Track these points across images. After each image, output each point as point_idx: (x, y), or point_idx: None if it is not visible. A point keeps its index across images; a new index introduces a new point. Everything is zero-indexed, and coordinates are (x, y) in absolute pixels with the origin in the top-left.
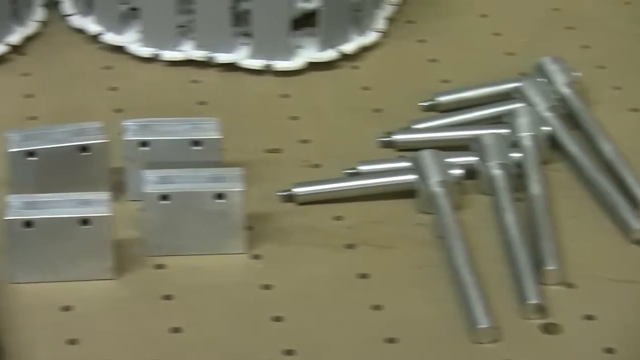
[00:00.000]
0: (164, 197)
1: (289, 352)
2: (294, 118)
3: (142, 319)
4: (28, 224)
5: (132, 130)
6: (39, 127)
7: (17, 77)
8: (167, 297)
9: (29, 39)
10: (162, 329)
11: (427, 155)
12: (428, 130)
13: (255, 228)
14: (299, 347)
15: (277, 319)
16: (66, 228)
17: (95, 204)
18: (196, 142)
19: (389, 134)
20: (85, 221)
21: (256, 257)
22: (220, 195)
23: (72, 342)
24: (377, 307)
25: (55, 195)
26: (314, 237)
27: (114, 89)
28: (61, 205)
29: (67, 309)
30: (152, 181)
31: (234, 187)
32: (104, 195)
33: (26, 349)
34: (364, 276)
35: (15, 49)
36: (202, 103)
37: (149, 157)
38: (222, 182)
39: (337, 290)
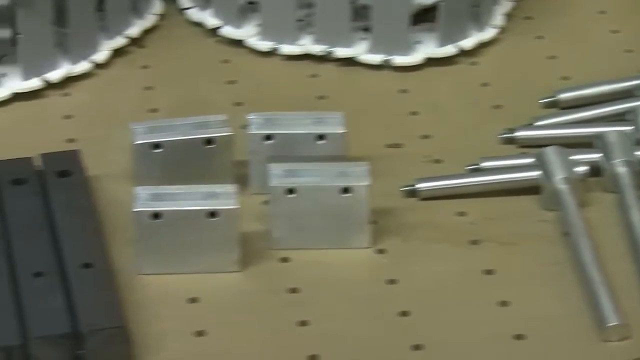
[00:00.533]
0: (290, 190)
1: (417, 347)
2: (414, 113)
3: (269, 311)
4: (156, 215)
5: (257, 123)
6: (163, 119)
7: (136, 69)
8: (293, 290)
9: (147, 32)
10: (288, 322)
11: (551, 152)
12: (550, 127)
13: (379, 223)
14: (426, 342)
15: (404, 313)
16: (194, 220)
17: (222, 196)
18: (321, 137)
19: (511, 130)
20: (213, 214)
21: (380, 251)
22: (346, 190)
23: (200, 333)
24: (503, 304)
25: (181, 187)
26: (438, 233)
27: (232, 82)
28: (188, 198)
29: (194, 300)
30: (278, 175)
31: (361, 181)
32: (231, 188)
33: (155, 341)
34: (489, 272)
35: (134, 42)
36: (321, 97)
37: (273, 150)
38: (348, 177)
39: (462, 286)
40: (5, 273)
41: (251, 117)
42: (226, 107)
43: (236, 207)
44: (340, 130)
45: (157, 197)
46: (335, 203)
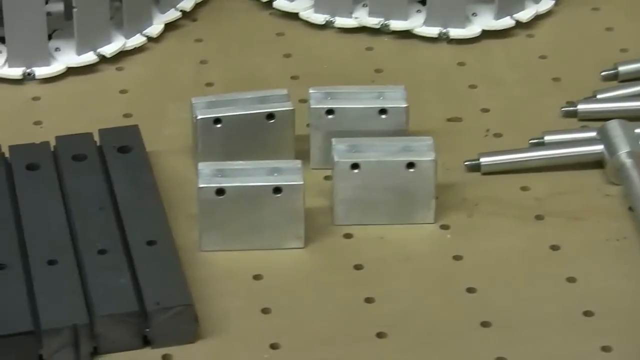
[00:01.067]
0: (355, 166)
1: (485, 324)
2: (473, 87)
3: (334, 288)
4: (220, 191)
5: (318, 98)
6: (223, 94)
7: (190, 43)
8: (358, 267)
9: (199, 5)
10: (354, 298)
11: (615, 126)
12: (613, 99)
13: (441, 198)
14: (494, 319)
15: (470, 290)
16: (258, 196)
17: (286, 172)
18: (383, 111)
19: (572, 103)
20: (277, 189)
21: (444, 227)
22: (411, 165)
23: (265, 311)
24: (571, 280)
25: (244, 162)
26: (502, 208)
27: (287, 55)
28: (252, 174)
29: (258, 277)
30: (342, 150)
31: (426, 156)
32: (295, 163)
33: (220, 318)
34: (555, 248)
35: (187, 15)
36: (377, 71)
37: (334, 125)
38: (413, 152)
39: (529, 262)
40: (70, 251)
41: (312, 91)
42: (281, 81)
43: (301, 182)
44: (402, 104)
45: (220, 173)
46: (400, 178)
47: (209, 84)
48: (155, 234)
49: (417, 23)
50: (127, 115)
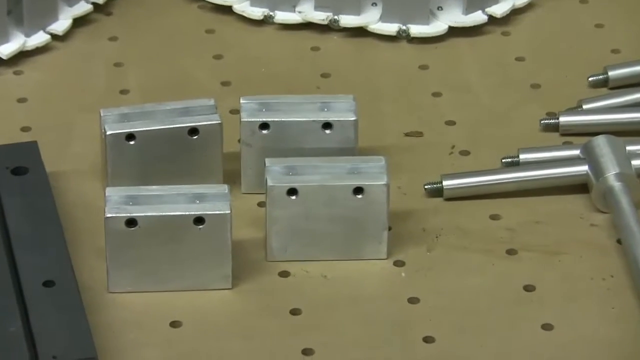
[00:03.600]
0: (292, 191)
1: None
2: (436, 94)
3: (267, 338)
4: (131, 222)
5: (251, 109)
6: (138, 104)
7: (103, 41)
8: (295, 312)
9: None
10: (291, 350)
11: (602, 143)
12: (601, 111)
13: (395, 229)
14: None
15: (428, 339)
16: (177, 228)
17: (211, 198)
18: (328, 125)
19: (554, 115)
20: (200, 219)
21: (399, 264)
22: (359, 190)
23: None
24: (547, 327)
25: (161, 187)
26: (468, 241)
27: (218, 57)
28: (170, 201)
29: (177, 324)
30: (277, 172)
31: (377, 179)
32: (221, 188)
33: None
34: (530, 289)
35: (99, 8)
36: (324, 75)
37: (269, 142)
38: (362, 174)
39: (498, 306)
40: None
41: (244, 101)
42: (211, 88)
43: (227, 211)
44: (350, 117)
45: (132, 200)
46: (347, 206)
47: (124, 92)
48: (54, 272)
49: (372, 19)
50: (24, 129)
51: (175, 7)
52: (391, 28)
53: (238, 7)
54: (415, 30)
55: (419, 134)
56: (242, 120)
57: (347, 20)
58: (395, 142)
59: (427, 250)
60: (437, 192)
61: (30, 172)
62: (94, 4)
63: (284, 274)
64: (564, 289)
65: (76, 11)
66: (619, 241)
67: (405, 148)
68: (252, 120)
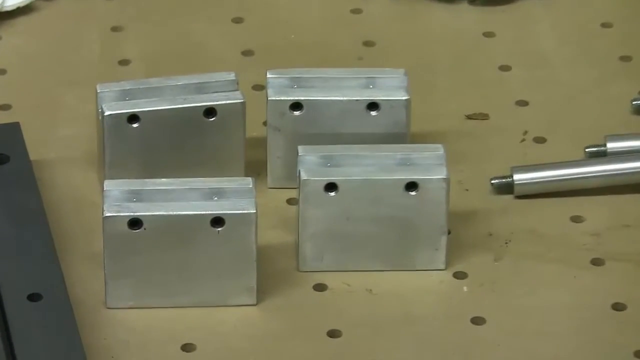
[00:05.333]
0: (330, 186)
1: None
2: (504, 68)
3: None
4: (135, 222)
5: (280, 85)
6: (143, 79)
7: (98, 1)
8: (334, 334)
9: None
10: None
11: None
12: None
13: (456, 233)
14: None
15: None
16: (190, 230)
17: (232, 194)
18: (374, 105)
19: None
20: (218, 220)
21: (460, 275)
22: (412, 185)
23: None
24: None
25: (170, 180)
26: (543, 248)
27: (237, 20)
28: (182, 197)
29: (190, 347)
30: (311, 162)
31: (434, 172)
32: (245, 182)
33: None
34: (619, 307)
35: None
36: (367, 44)
37: (302, 126)
38: (415, 166)
39: (581, 327)
40: None
41: (270, 75)
42: (231, 59)
43: (253, 211)
44: (401, 95)
45: (135, 196)
46: (396, 205)
47: (124, 62)
48: (41, 283)
49: None
50: (3, 108)
51: None
52: None
53: None
54: None
55: (484, 117)
56: (268, 98)
57: None
58: (455, 126)
59: (494, 259)
60: (506, 188)
61: (11, 161)
62: None
63: (320, 288)
64: None
65: None
66: None
67: (467, 134)
68: (281, 99)
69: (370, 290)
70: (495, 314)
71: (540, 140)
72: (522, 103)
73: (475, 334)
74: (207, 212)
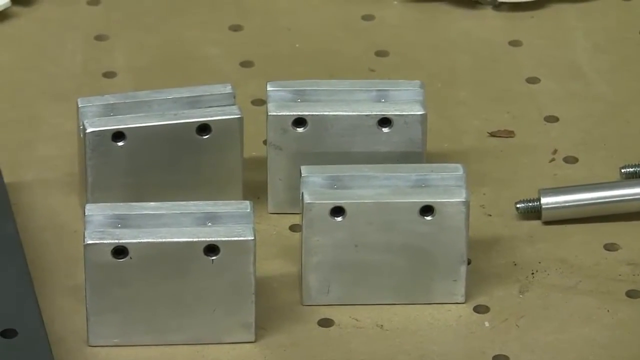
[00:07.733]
0: (336, 210)
1: None
2: (532, 80)
3: None
4: (120, 251)
5: (280, 99)
6: (129, 92)
7: (80, 5)
8: None
9: None
10: None
11: None
12: None
13: (478, 262)
14: None
15: None
16: (181, 259)
17: (227, 219)
18: (386, 121)
19: None
20: (213, 248)
21: (481, 309)
22: (428, 210)
23: None
24: None
25: (159, 204)
26: (575, 279)
27: (235, 28)
28: (172, 222)
29: None
30: (316, 184)
31: (452, 195)
32: (242, 206)
33: None
34: None
35: None
36: (380, 53)
37: (306, 144)
38: (431, 188)
39: None
40: None
41: (271, 88)
42: (227, 70)
43: (251, 238)
44: (417, 110)
45: (120, 221)
46: (410, 231)
47: (109, 74)
48: (16, 318)
49: None
50: None
51: None
52: None
53: None
54: None
55: (509, 134)
56: (269, 114)
57: None
58: (477, 144)
59: (519, 291)
60: (533, 212)
61: None
62: None
63: (326, 323)
64: None
65: None
66: None
67: (490, 153)
68: (283, 114)
69: (382, 326)
70: (520, 352)
71: (571, 160)
72: (552, 119)
73: None
74: (200, 239)
